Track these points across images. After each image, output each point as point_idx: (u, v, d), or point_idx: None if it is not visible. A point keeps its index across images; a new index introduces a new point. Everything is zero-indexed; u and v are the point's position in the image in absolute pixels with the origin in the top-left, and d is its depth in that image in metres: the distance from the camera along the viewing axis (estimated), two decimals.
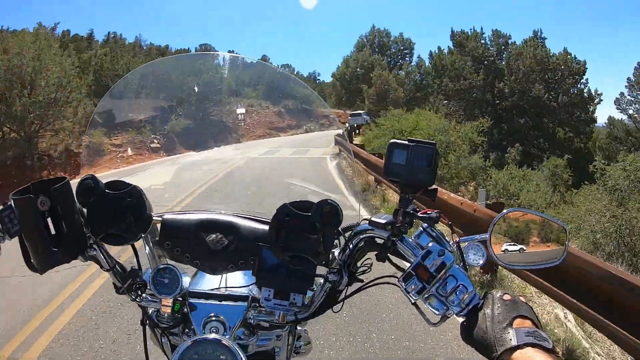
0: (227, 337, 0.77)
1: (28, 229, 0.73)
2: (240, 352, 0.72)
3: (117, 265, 0.83)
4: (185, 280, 0.84)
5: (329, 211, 0.72)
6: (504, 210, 0.78)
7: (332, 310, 0.82)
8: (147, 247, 0.87)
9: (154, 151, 1.98)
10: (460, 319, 0.70)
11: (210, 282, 0.89)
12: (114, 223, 0.76)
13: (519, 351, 0.59)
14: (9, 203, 0.74)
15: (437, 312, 0.70)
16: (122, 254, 0.91)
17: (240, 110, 1.72)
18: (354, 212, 0.94)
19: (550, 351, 0.59)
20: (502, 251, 0.78)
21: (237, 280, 0.89)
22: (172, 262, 0.84)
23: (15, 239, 0.75)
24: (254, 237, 0.83)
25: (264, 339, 0.87)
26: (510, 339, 0.60)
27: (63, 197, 0.75)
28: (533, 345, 0.59)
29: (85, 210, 0.78)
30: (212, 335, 0.75)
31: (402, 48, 43.52)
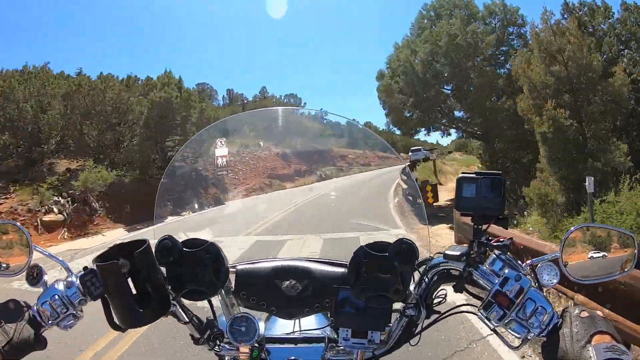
0: None
1: (112, 292, 0.76)
2: None
3: (194, 318, 0.86)
4: (261, 326, 0.86)
5: (406, 250, 0.74)
6: (572, 228, 0.78)
7: (409, 343, 0.83)
8: (221, 297, 0.89)
9: None
10: (541, 340, 0.70)
11: (284, 326, 0.91)
12: (194, 280, 0.79)
13: None
14: (90, 267, 0.78)
15: (518, 336, 0.70)
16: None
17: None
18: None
19: None
20: (574, 267, 0.78)
21: (311, 323, 0.90)
22: (248, 310, 0.87)
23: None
24: (328, 279, 0.85)
25: None
26: (591, 357, 0.61)
27: (144, 260, 0.78)
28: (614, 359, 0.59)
29: (164, 269, 0.81)
30: None
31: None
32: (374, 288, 0.75)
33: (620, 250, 0.82)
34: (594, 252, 0.79)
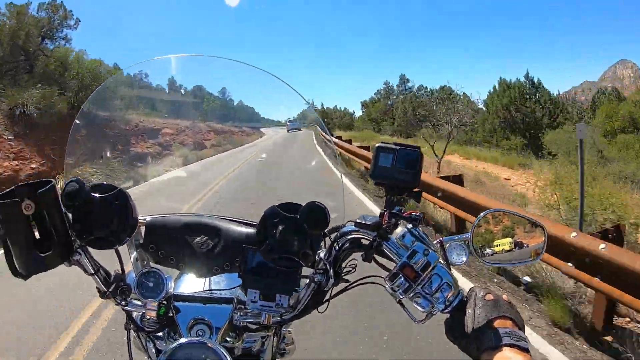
0: (213, 340, 0.77)
1: (13, 234, 0.71)
2: (226, 355, 0.72)
3: (101, 270, 0.81)
4: (171, 284, 0.83)
5: (317, 214, 0.73)
6: (485, 211, 0.80)
7: (317, 310, 0.83)
8: (131, 251, 0.85)
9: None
10: (445, 316, 0.72)
11: (194, 285, 0.88)
12: (100, 227, 0.75)
13: (498, 352, 0.61)
14: None
15: (422, 310, 0.72)
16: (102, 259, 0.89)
17: None
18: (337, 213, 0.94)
19: (526, 351, 0.62)
20: (483, 250, 0.80)
21: (221, 283, 0.88)
22: (157, 266, 0.83)
23: None
24: (239, 239, 0.83)
25: (250, 340, 0.87)
26: (490, 340, 0.63)
27: (49, 201, 0.72)
28: (511, 345, 0.61)
29: (70, 214, 0.76)
30: (198, 339, 0.74)
31: None
32: (282, 249, 0.73)
33: (530, 237, 0.84)
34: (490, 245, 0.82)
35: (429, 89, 48.37)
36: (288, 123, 2.82)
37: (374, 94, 56.37)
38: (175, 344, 0.72)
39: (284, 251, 0.74)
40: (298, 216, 0.73)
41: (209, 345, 0.72)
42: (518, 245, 0.82)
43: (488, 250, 0.80)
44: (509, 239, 0.81)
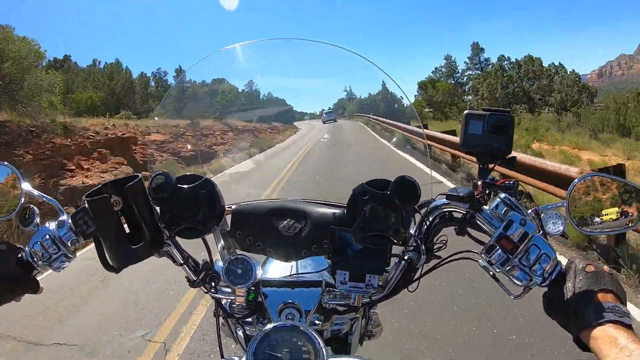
0: (303, 322, 0.77)
1: (104, 230, 0.74)
2: (317, 337, 0.72)
3: (190, 259, 0.84)
4: (259, 270, 0.85)
5: (407, 188, 0.71)
6: (581, 176, 0.75)
7: (407, 290, 0.81)
8: (218, 239, 0.88)
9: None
10: (543, 290, 0.69)
11: (282, 270, 0.89)
12: (188, 217, 0.77)
13: (599, 328, 0.58)
14: (82, 206, 0.75)
15: (520, 284, 0.69)
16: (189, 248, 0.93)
17: None
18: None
19: (629, 327, 0.58)
20: (581, 217, 0.76)
21: (308, 267, 0.89)
22: (244, 252, 0.85)
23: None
24: (325, 220, 0.83)
25: (339, 323, 0.87)
26: (590, 316, 0.59)
27: (136, 195, 0.75)
28: (614, 322, 0.58)
29: (158, 207, 0.79)
30: (289, 322, 0.75)
31: None
32: (373, 227, 0.72)
33: (627, 203, 0.79)
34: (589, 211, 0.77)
35: (512, 60, 36.33)
36: (324, 115, 2.70)
37: (432, 72, 45.85)
38: (266, 328, 0.72)
39: (375, 229, 0.72)
40: (388, 192, 0.72)
41: (300, 328, 0.72)
42: (624, 214, 0.76)
43: (597, 219, 0.75)
44: (615, 209, 0.76)
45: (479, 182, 0.73)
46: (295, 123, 3.25)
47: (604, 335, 0.57)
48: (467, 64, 43.50)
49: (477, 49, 42.77)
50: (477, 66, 42.83)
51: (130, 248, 0.75)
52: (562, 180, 4.17)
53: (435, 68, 46.27)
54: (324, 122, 2.82)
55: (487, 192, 0.72)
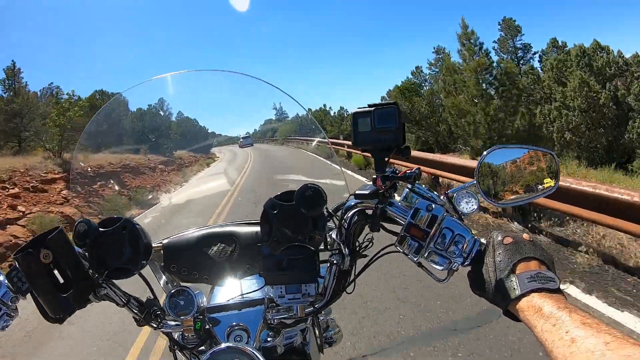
0: (251, 342, 0.78)
1: (36, 284, 0.76)
2: (258, 355, 0.71)
3: (131, 299, 0.85)
4: (202, 298, 0.86)
5: (312, 195, 0.73)
6: (485, 152, 0.77)
7: (346, 292, 0.83)
8: (158, 275, 0.89)
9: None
10: (468, 269, 0.70)
11: (226, 294, 0.90)
12: (114, 258, 0.78)
13: (524, 299, 0.57)
14: (14, 264, 0.77)
15: (440, 268, 0.70)
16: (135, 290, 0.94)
17: None
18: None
19: (556, 291, 0.57)
20: (494, 191, 0.78)
21: (251, 286, 0.90)
22: (185, 284, 0.86)
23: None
24: (253, 239, 0.85)
25: (290, 336, 0.88)
26: (514, 288, 0.59)
27: (59, 246, 0.77)
28: (538, 290, 0.57)
29: (85, 252, 0.80)
30: (225, 344, 0.74)
31: None
32: (287, 238, 0.74)
33: (540, 169, 0.81)
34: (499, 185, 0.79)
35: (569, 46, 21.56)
36: (241, 139, 2.68)
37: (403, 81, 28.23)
38: (206, 355, 0.72)
39: (290, 239, 0.74)
40: (294, 202, 0.73)
41: (241, 348, 0.72)
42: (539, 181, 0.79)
43: (510, 190, 0.78)
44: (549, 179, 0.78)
45: (378, 177, 0.74)
46: (216, 149, 3.06)
47: (529, 306, 0.56)
48: (495, 49, 27.67)
49: (512, 28, 28.36)
50: (512, 54, 28.15)
51: (62, 297, 0.76)
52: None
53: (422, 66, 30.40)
54: (240, 147, 2.82)
55: (388, 184, 0.74)
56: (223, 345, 0.75)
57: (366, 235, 0.81)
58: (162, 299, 0.89)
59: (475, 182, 0.76)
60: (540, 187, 0.80)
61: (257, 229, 0.88)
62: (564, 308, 0.53)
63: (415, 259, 0.70)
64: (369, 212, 0.76)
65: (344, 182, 0.91)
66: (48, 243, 0.75)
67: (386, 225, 0.77)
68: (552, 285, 0.58)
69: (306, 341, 0.92)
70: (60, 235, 0.77)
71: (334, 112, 45.76)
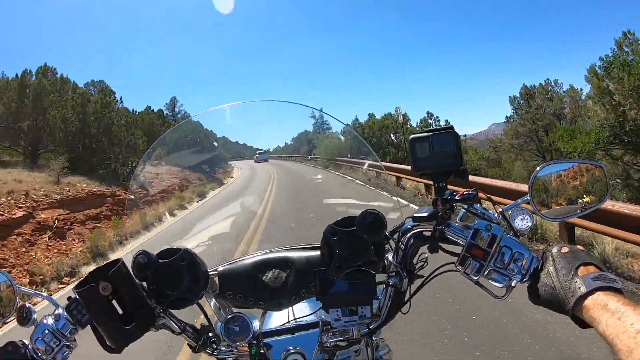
0: None
1: (97, 316, 0.78)
2: None
3: (187, 327, 0.86)
4: (256, 324, 0.87)
5: (372, 220, 0.74)
6: (537, 169, 0.78)
7: (401, 312, 0.83)
8: (211, 302, 0.90)
9: None
10: (525, 285, 0.70)
11: (279, 318, 0.91)
12: (174, 289, 0.80)
13: (590, 297, 0.58)
14: (73, 297, 0.79)
15: (499, 285, 0.71)
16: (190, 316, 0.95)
17: None
18: (398, 213, 0.95)
19: (620, 291, 0.58)
20: (547, 208, 0.78)
21: (304, 310, 0.91)
22: (239, 310, 0.87)
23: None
24: (308, 264, 0.86)
25: (344, 358, 0.88)
26: (579, 287, 0.60)
27: (121, 279, 0.79)
28: (603, 288, 0.58)
29: (145, 283, 0.82)
30: None
31: None
32: (349, 264, 0.75)
33: (590, 182, 0.81)
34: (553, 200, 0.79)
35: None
36: (257, 154, 2.80)
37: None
38: None
39: (351, 265, 0.75)
40: (355, 228, 0.74)
41: None
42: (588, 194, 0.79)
43: (563, 205, 0.78)
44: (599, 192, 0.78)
45: (438, 199, 0.75)
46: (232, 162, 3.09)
47: (594, 304, 0.57)
48: None
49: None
50: None
51: (124, 329, 0.78)
52: None
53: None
54: (255, 162, 2.88)
55: (448, 206, 0.75)
56: None
57: (420, 255, 0.82)
58: (216, 323, 0.90)
59: (528, 198, 0.76)
60: (590, 200, 0.80)
61: (311, 253, 0.89)
62: (628, 304, 0.54)
63: (476, 278, 0.71)
64: (427, 234, 0.77)
65: (399, 207, 0.92)
66: (111, 277, 0.77)
67: (443, 245, 0.78)
68: (615, 284, 0.59)
69: None
70: (122, 269, 0.79)
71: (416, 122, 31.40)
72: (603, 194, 0.80)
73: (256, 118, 1.30)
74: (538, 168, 0.78)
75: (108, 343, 0.79)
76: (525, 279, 0.69)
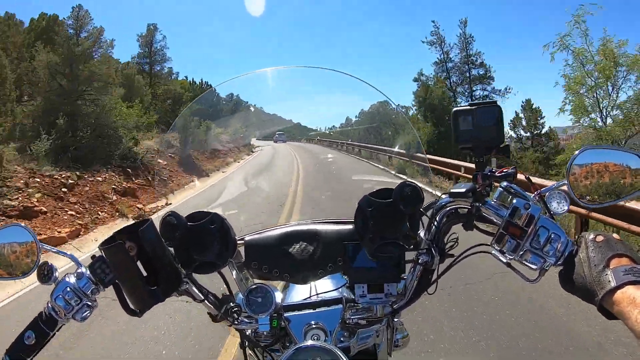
0: (328, 341, 0.78)
1: (122, 276, 0.76)
2: (342, 355, 0.72)
3: (209, 295, 0.85)
4: (278, 296, 0.86)
5: (410, 193, 0.73)
6: (577, 152, 0.76)
7: (427, 292, 0.82)
8: (234, 272, 0.89)
9: None
10: (558, 269, 0.69)
11: (301, 292, 0.90)
12: (202, 253, 0.79)
13: (619, 291, 0.58)
14: (98, 254, 0.78)
15: (534, 267, 0.69)
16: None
17: None
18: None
19: None
20: (584, 192, 0.77)
21: (327, 285, 0.90)
22: (262, 281, 0.86)
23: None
24: (336, 238, 0.85)
25: (364, 336, 0.87)
26: (609, 281, 0.59)
27: (149, 239, 0.77)
28: (633, 282, 0.57)
29: (171, 247, 0.80)
30: (311, 342, 0.75)
31: None
32: (382, 236, 0.74)
33: (628, 170, 0.80)
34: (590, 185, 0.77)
35: None
36: (276, 135, 2.81)
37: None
38: (290, 351, 0.73)
39: (385, 237, 0.74)
40: (392, 199, 0.73)
41: (325, 347, 0.73)
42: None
43: (601, 192, 0.76)
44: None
45: (478, 175, 0.74)
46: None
47: (624, 298, 0.56)
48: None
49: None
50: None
51: (149, 290, 0.76)
52: None
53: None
54: (274, 142, 2.91)
55: (488, 182, 0.73)
56: (309, 342, 0.75)
57: (450, 234, 0.81)
58: (236, 294, 0.89)
59: (566, 181, 0.75)
60: (629, 187, 0.79)
61: (340, 227, 0.88)
62: None
63: (509, 259, 0.70)
64: (462, 211, 0.76)
65: (431, 183, 0.91)
66: (139, 235, 0.76)
67: (478, 225, 0.76)
68: None
69: (378, 342, 0.91)
70: (151, 229, 0.77)
71: None
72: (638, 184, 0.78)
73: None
74: (576, 152, 0.76)
75: (130, 304, 0.77)
76: (559, 262, 0.68)
